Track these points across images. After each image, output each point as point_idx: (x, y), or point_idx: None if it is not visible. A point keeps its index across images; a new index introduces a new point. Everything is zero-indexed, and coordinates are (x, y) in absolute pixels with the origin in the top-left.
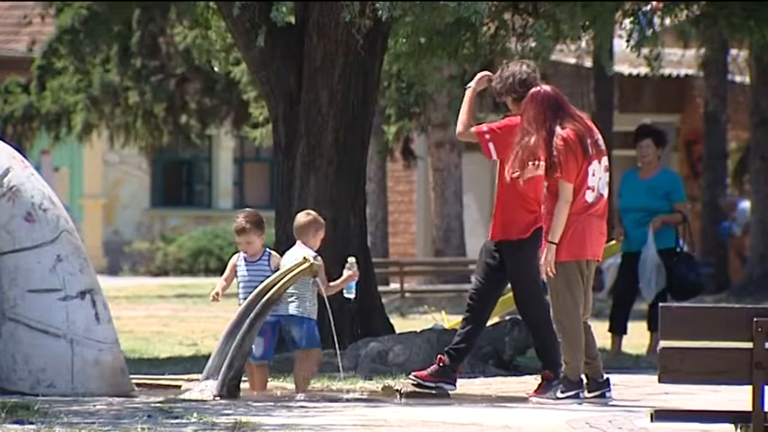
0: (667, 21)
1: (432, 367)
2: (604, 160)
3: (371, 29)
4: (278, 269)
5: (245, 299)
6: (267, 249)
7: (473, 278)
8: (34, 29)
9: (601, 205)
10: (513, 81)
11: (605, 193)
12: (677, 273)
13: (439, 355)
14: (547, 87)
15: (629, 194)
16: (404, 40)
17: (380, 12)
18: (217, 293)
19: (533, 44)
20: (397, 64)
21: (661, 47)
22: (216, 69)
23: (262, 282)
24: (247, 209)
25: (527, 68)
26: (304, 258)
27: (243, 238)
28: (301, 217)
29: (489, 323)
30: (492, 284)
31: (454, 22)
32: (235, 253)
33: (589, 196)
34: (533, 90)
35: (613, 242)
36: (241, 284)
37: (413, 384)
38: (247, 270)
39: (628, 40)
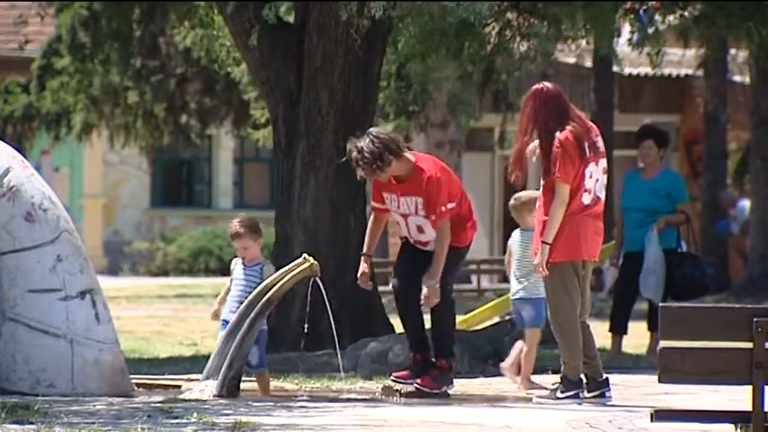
0: (668, 19)
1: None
2: (603, 162)
3: (371, 29)
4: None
5: (238, 301)
6: (263, 261)
7: (397, 276)
8: (34, 29)
9: (597, 207)
10: (369, 156)
11: (602, 195)
12: (681, 273)
13: (411, 354)
14: (549, 85)
15: (631, 194)
16: (405, 40)
17: (375, 11)
18: (215, 313)
19: (536, 44)
20: (397, 63)
21: (663, 45)
22: (229, 69)
23: (252, 289)
24: (243, 215)
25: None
26: (304, 258)
27: (239, 243)
28: (522, 196)
29: (489, 323)
30: (416, 280)
31: (458, 22)
32: (236, 257)
33: (586, 198)
34: (536, 87)
35: (611, 243)
36: (234, 287)
37: (392, 381)
38: (243, 273)
39: (629, 39)
